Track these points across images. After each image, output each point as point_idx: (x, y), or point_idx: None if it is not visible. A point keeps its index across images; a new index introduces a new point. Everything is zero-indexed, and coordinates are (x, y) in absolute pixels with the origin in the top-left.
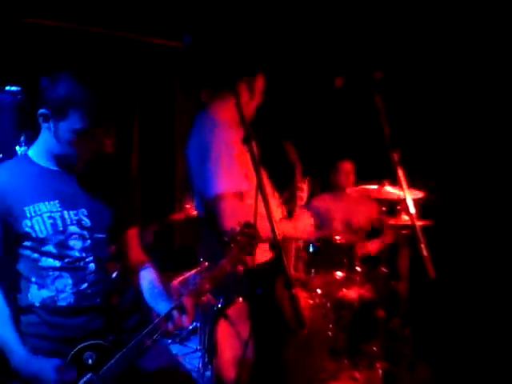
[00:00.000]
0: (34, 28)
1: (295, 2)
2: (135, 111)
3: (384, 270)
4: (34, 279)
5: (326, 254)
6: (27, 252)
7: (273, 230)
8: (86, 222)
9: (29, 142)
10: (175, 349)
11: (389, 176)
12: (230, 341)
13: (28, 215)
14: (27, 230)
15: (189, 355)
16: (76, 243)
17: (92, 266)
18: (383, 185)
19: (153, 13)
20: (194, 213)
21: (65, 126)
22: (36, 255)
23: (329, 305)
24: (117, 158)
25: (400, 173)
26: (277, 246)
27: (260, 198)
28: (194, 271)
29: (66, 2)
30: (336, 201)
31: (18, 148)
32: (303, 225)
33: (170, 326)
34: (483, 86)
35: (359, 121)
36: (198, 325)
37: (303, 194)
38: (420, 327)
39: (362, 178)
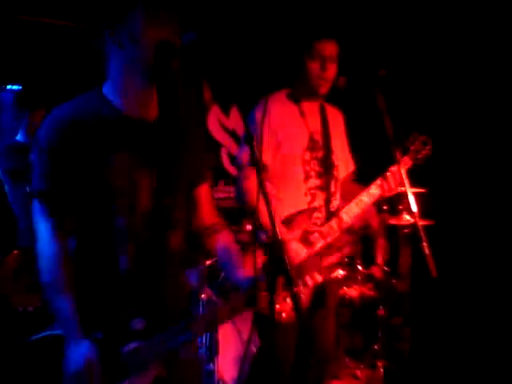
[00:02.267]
0: (34, 26)
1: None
2: None
3: (385, 268)
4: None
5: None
6: (99, 206)
7: (273, 229)
8: (156, 182)
9: (27, 138)
10: None
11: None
12: (231, 340)
13: (102, 168)
14: (100, 182)
15: None
16: (145, 205)
17: (157, 232)
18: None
19: None
20: None
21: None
22: (107, 212)
23: None
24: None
25: (402, 171)
26: (278, 245)
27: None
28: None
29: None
30: None
31: None
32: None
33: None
34: (486, 84)
35: (362, 119)
36: None
37: (385, 183)
38: (421, 326)
39: (365, 176)
